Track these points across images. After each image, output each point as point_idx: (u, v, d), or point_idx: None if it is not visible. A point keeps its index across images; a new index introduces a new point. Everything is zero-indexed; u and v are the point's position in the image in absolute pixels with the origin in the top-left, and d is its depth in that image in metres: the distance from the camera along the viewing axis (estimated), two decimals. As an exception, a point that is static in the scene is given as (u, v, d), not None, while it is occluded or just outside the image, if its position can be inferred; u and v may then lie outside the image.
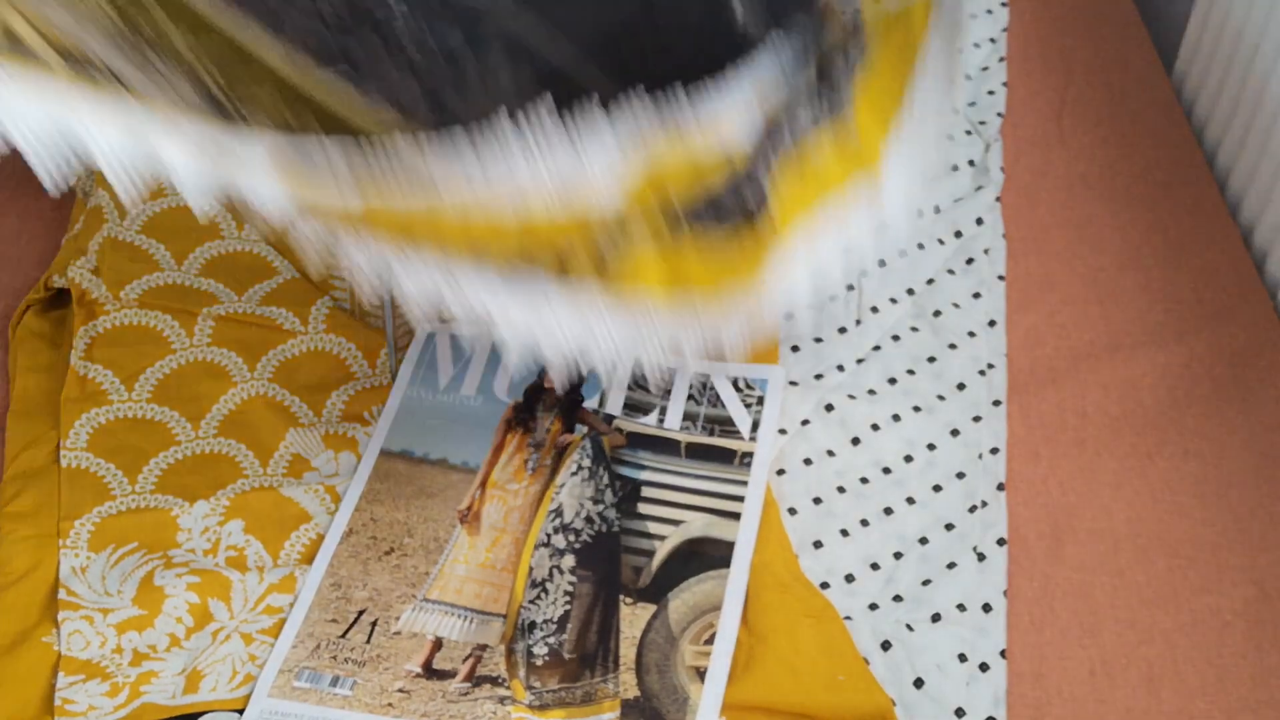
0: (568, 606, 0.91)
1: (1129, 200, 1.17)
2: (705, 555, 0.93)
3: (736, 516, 0.95)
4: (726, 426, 1.00)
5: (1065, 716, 0.87)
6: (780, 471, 0.99)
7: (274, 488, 0.98)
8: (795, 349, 1.07)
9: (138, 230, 1.10)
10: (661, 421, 1.01)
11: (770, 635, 0.88)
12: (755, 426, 1.00)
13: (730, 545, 0.93)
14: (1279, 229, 1.09)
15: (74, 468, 0.97)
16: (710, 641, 0.88)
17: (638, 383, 1.02)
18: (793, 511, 0.96)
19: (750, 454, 0.98)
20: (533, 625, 0.90)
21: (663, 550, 0.94)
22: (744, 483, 0.97)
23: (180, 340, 1.04)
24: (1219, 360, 1.04)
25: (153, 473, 0.98)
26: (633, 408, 1.01)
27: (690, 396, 1.02)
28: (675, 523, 0.95)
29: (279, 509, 0.97)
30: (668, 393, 1.02)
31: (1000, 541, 0.94)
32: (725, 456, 0.99)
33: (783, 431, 1.01)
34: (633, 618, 0.91)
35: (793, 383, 1.04)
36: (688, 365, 1.02)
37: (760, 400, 1.02)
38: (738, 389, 1.02)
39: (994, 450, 1.00)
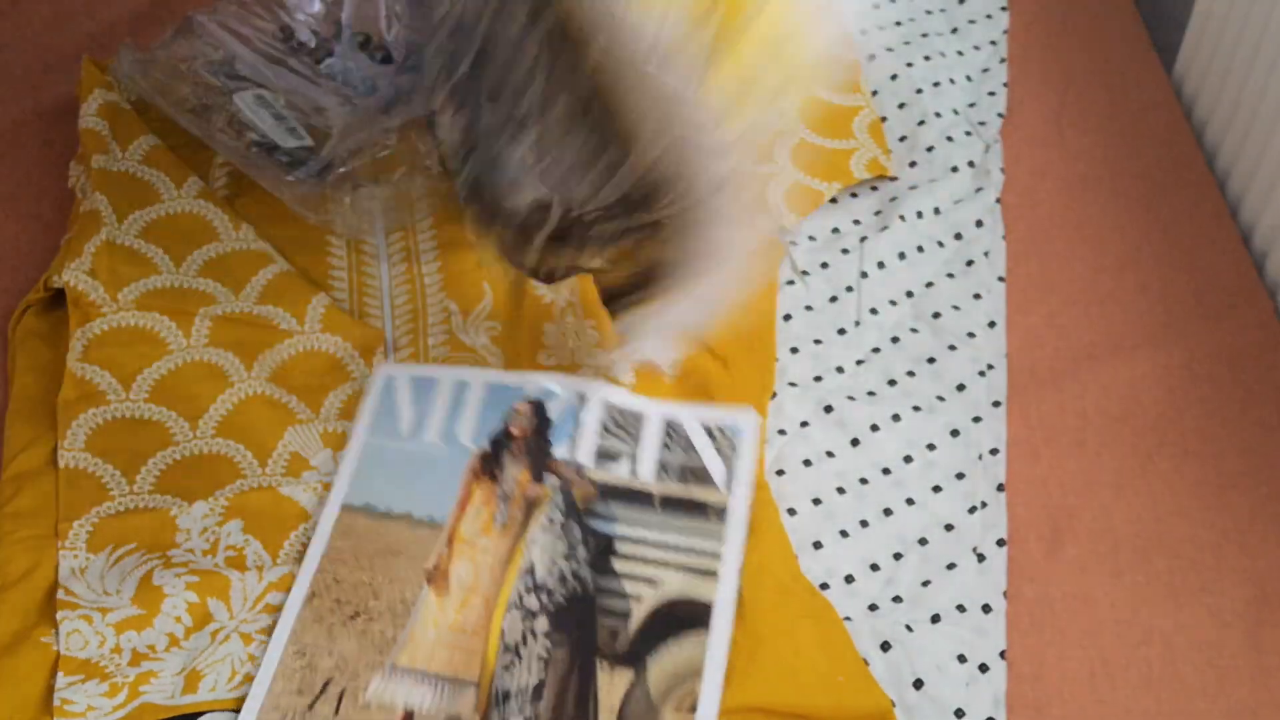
0: (542, 675, 0.86)
1: (1129, 200, 1.17)
2: (684, 616, 0.88)
3: (714, 574, 0.90)
4: (701, 477, 0.96)
5: (1065, 717, 0.86)
6: (780, 472, 0.98)
7: (273, 487, 0.97)
8: (794, 350, 1.06)
9: (136, 235, 1.10)
10: (634, 470, 0.96)
11: (770, 636, 0.87)
12: (731, 478, 0.95)
13: (709, 607, 0.89)
14: (1279, 229, 1.09)
15: (72, 468, 0.97)
16: (693, 709, 0.84)
17: (608, 429, 0.98)
18: (792, 512, 0.96)
19: (726, 507, 0.94)
20: (507, 695, 0.86)
21: (639, 612, 0.89)
22: (720, 538, 0.92)
23: (177, 341, 1.04)
24: (1219, 360, 1.04)
25: (151, 473, 0.98)
26: (604, 456, 0.97)
27: (664, 444, 0.98)
28: (651, 581, 0.91)
29: (278, 508, 0.97)
30: (638, 436, 0.98)
31: (1000, 542, 0.94)
32: (700, 510, 0.94)
33: (782, 432, 1.01)
34: (610, 685, 0.86)
35: (792, 384, 1.04)
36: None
37: (735, 448, 0.97)
38: (711, 436, 0.98)
39: (994, 451, 1.00)
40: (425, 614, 0.91)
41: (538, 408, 0.99)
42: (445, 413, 1.00)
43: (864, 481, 0.98)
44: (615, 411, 0.99)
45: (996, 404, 1.03)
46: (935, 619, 0.90)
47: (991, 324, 1.08)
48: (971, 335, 1.07)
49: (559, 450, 0.97)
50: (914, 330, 1.08)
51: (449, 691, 0.87)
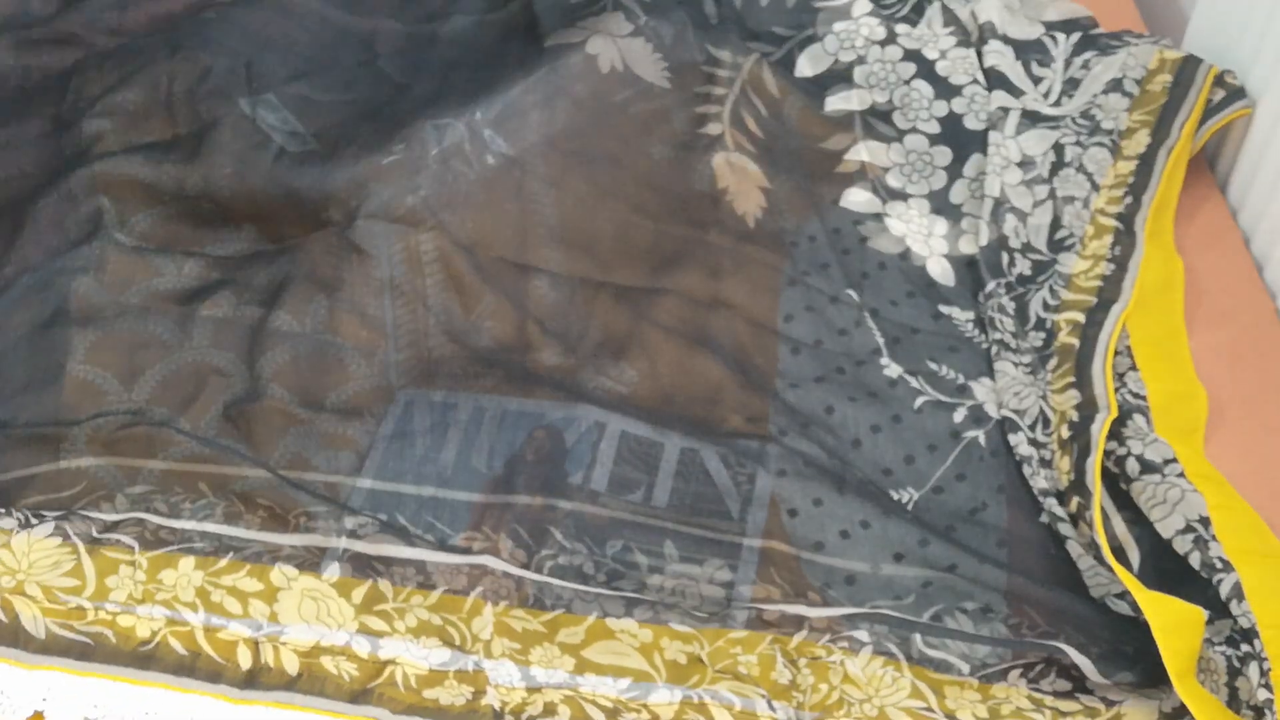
0: None
1: (1129, 202, 1.17)
2: None
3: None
4: (715, 506, 0.96)
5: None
6: (781, 473, 0.98)
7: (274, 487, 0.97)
8: (795, 351, 1.07)
9: (138, 236, 1.10)
10: (649, 499, 0.97)
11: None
12: (745, 506, 0.97)
13: None
14: (1279, 232, 1.09)
15: (75, 468, 0.97)
16: None
17: (625, 458, 0.98)
18: (793, 513, 0.96)
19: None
20: None
21: None
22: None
23: (179, 342, 1.04)
24: (1219, 362, 1.04)
25: (153, 473, 0.98)
26: (619, 484, 0.97)
27: (678, 472, 0.98)
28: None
29: (278, 511, 0.97)
30: (654, 467, 0.98)
31: (1000, 544, 0.94)
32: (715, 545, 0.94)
33: (784, 433, 1.01)
34: None
35: (793, 385, 1.04)
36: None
37: (751, 479, 0.98)
38: (727, 465, 0.98)
39: (994, 453, 1.00)
40: None
41: (554, 434, 0.99)
42: (462, 435, 1.00)
43: (866, 482, 0.98)
44: (633, 440, 0.99)
45: (1000, 406, 1.03)
46: (935, 619, 0.90)
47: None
48: (971, 338, 1.07)
49: (574, 478, 0.97)
50: (915, 331, 1.08)
51: None
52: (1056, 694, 0.86)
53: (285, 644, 0.85)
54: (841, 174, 1.18)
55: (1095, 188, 1.12)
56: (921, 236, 1.15)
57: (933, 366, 1.06)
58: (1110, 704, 0.85)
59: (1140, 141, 1.13)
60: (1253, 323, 1.07)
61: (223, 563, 0.89)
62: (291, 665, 0.85)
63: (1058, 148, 1.14)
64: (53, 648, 0.85)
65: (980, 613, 0.90)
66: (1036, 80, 1.18)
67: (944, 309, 1.10)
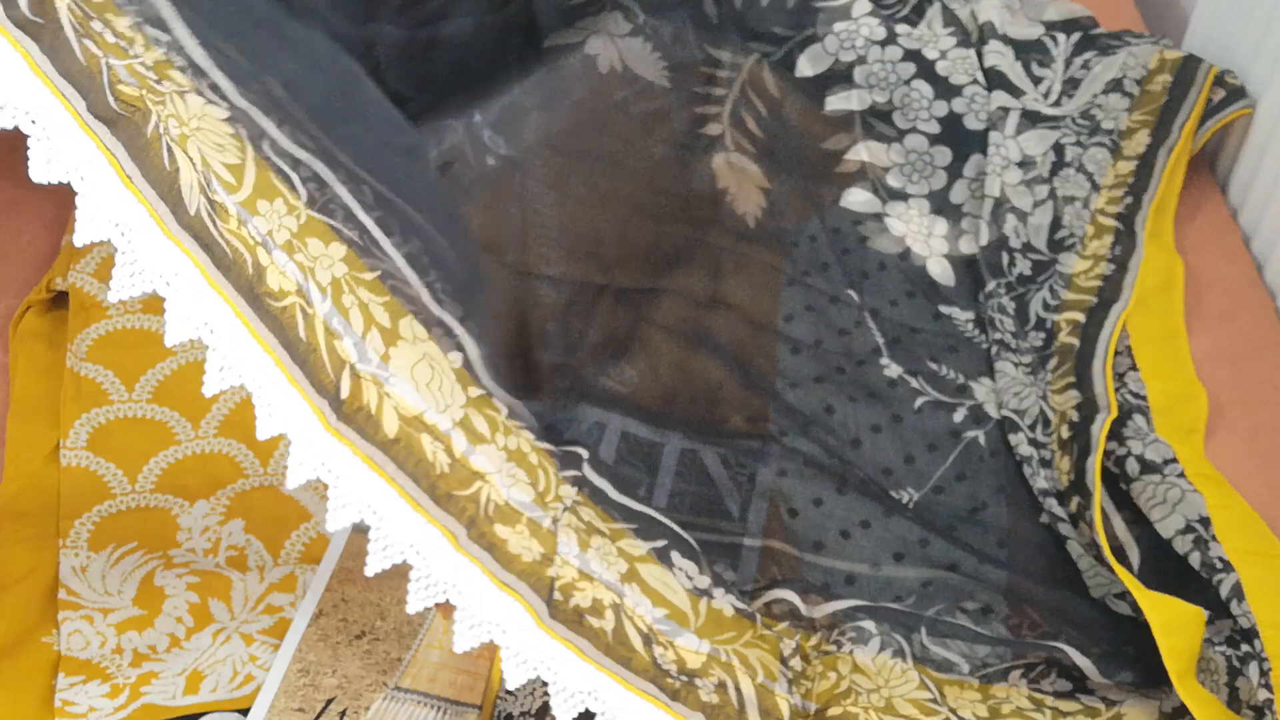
0: (546, 697, 0.84)
1: (1130, 202, 1.17)
2: None
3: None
4: (716, 506, 0.96)
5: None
6: (781, 473, 0.98)
7: (274, 486, 0.98)
8: (795, 351, 1.07)
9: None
10: (649, 499, 0.96)
11: None
12: (746, 506, 0.97)
13: None
14: (1279, 232, 1.09)
15: (74, 467, 0.97)
16: None
17: (625, 458, 0.98)
18: (793, 513, 0.96)
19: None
20: (509, 717, 0.85)
21: None
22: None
23: (185, 344, 1.04)
24: (1219, 361, 1.04)
25: (153, 472, 0.98)
26: (620, 484, 0.94)
27: (678, 472, 0.98)
28: None
29: (279, 507, 0.97)
30: (655, 467, 0.98)
31: (1000, 544, 0.94)
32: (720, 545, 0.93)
33: (784, 432, 1.01)
34: None
35: (793, 385, 1.04)
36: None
37: (751, 479, 0.98)
38: (727, 465, 0.98)
39: (994, 453, 1.00)
40: (431, 636, 0.90)
41: (555, 435, 0.99)
42: None
43: (865, 482, 0.98)
44: (633, 440, 0.99)
45: (1000, 406, 1.03)
46: (936, 615, 0.90)
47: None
48: (971, 338, 1.07)
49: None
50: (915, 331, 1.08)
51: (451, 714, 0.86)
52: (1057, 694, 0.86)
53: (390, 395, 0.76)
54: (841, 174, 1.18)
55: (1095, 188, 1.12)
56: (921, 236, 1.15)
57: (933, 366, 1.06)
58: (1110, 704, 0.85)
59: (1140, 141, 1.13)
60: (1253, 323, 1.07)
61: (368, 276, 0.79)
62: (391, 424, 0.75)
63: (1058, 148, 1.14)
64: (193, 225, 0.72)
65: (981, 613, 0.90)
66: (1036, 80, 1.18)
67: (944, 309, 1.10)
